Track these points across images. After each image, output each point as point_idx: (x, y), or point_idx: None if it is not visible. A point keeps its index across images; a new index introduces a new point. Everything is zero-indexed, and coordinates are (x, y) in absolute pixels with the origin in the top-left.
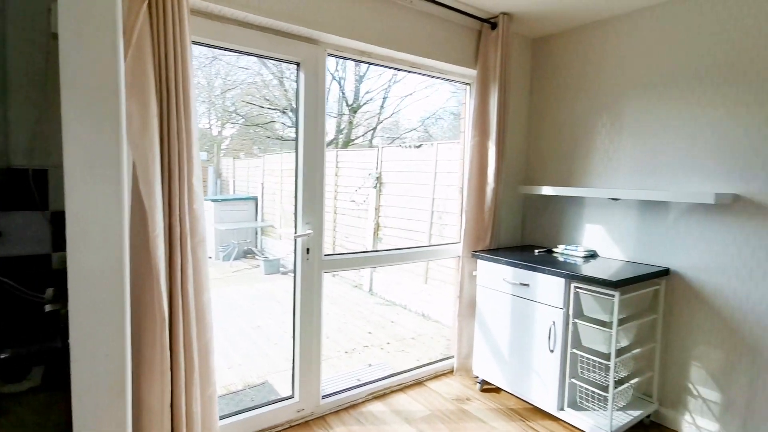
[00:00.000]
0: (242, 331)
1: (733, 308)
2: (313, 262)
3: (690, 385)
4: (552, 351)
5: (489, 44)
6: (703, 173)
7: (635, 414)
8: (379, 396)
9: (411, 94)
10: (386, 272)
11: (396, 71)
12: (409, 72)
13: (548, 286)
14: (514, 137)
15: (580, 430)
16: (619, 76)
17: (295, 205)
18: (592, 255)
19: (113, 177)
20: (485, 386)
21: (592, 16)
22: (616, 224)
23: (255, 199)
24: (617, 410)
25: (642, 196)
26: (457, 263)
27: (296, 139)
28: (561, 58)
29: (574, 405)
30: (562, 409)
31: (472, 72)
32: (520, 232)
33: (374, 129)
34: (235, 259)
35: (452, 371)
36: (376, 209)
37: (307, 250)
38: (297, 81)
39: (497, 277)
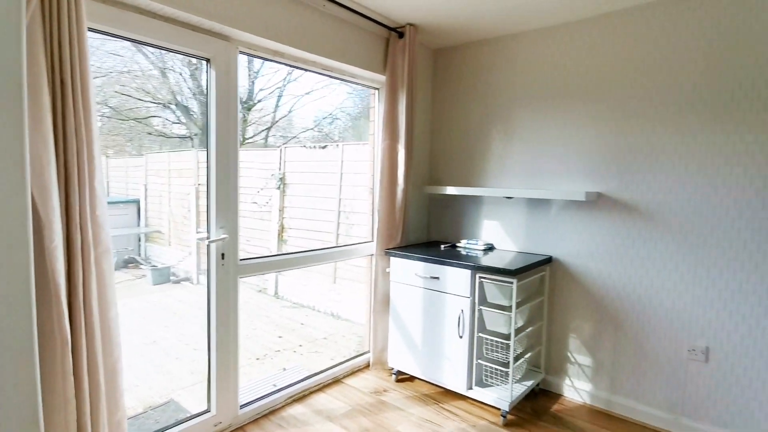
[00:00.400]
0: (135, 348)
1: (600, 286)
2: (229, 267)
3: (569, 354)
4: (461, 337)
5: (397, 52)
6: (575, 175)
7: (528, 384)
8: (299, 398)
9: (309, 93)
10: (292, 274)
11: (291, 69)
12: (321, 74)
13: (456, 278)
14: (420, 141)
15: (486, 404)
16: (509, 89)
17: (208, 209)
18: (490, 248)
19: (15, 181)
20: (400, 377)
21: (485, 34)
22: (509, 220)
23: (137, 202)
24: (515, 382)
25: (530, 195)
26: (369, 261)
27: (207, 139)
28: (460, 69)
29: (481, 383)
30: (470, 388)
31: (381, 77)
32: (426, 230)
33: (269, 128)
34: (115, 269)
35: (368, 366)
36: (280, 210)
37: (222, 255)
38: (207, 78)
39: (410, 272)
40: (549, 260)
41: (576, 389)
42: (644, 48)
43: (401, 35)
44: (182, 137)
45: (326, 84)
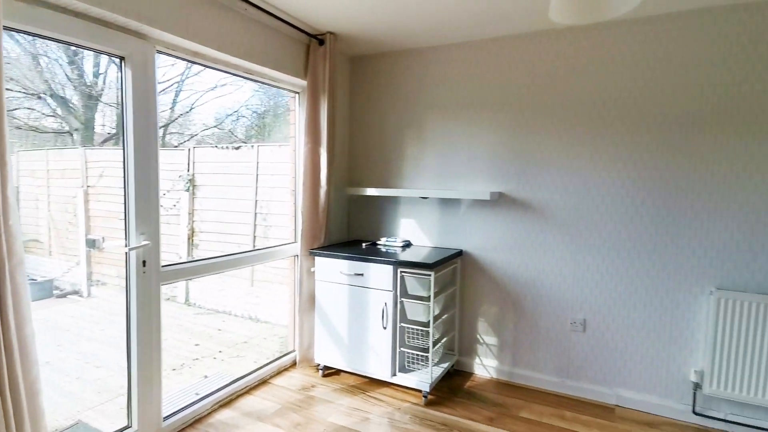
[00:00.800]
0: None
1: (503, 274)
2: (151, 274)
3: (478, 336)
4: (385, 328)
5: (318, 58)
6: (480, 177)
7: (445, 366)
8: (226, 403)
9: (213, 89)
10: (205, 280)
11: (190, 63)
12: (242, 77)
13: (380, 274)
14: (340, 144)
15: (409, 388)
16: (423, 97)
17: (126, 215)
18: (408, 245)
19: None
20: (327, 372)
21: (400, 46)
22: (424, 218)
23: None
24: (434, 366)
25: (442, 195)
26: (292, 262)
27: (123, 140)
28: (377, 76)
29: (403, 369)
30: (394, 374)
31: (302, 82)
32: (347, 229)
33: (166, 126)
34: None
35: (295, 364)
36: (189, 214)
37: (144, 262)
38: (122, 76)
39: (335, 270)
40: (460, 253)
41: (485, 366)
42: (535, 68)
43: (321, 42)
44: (59, 132)
45: (231, 81)
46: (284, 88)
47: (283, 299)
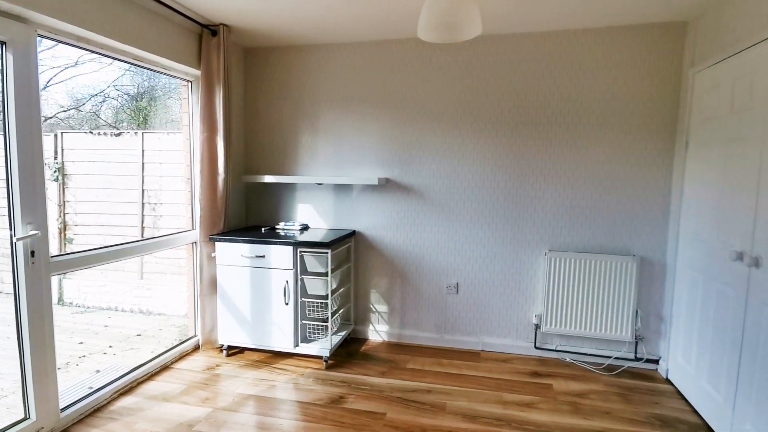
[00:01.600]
0: None
1: (391, 250)
2: (40, 265)
3: (371, 306)
4: (287, 304)
5: (211, 49)
6: (370, 164)
7: (342, 334)
8: (126, 391)
9: (75, 65)
10: (82, 275)
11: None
12: (132, 64)
13: (281, 254)
14: (235, 133)
15: (311, 356)
16: (315, 91)
17: (11, 204)
18: (305, 228)
19: None
20: (231, 351)
21: (294, 41)
22: (319, 202)
23: None
24: (333, 334)
25: (336, 181)
26: (190, 249)
27: (4, 126)
28: (272, 69)
29: (305, 339)
30: (297, 345)
31: (196, 71)
32: (245, 216)
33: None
34: None
35: (198, 348)
36: (59, 206)
37: (32, 253)
38: (3, 62)
39: (236, 254)
40: (353, 233)
41: (377, 332)
42: (412, 70)
43: (214, 33)
44: None
45: (93, 57)
46: (176, 77)
47: (179, 289)
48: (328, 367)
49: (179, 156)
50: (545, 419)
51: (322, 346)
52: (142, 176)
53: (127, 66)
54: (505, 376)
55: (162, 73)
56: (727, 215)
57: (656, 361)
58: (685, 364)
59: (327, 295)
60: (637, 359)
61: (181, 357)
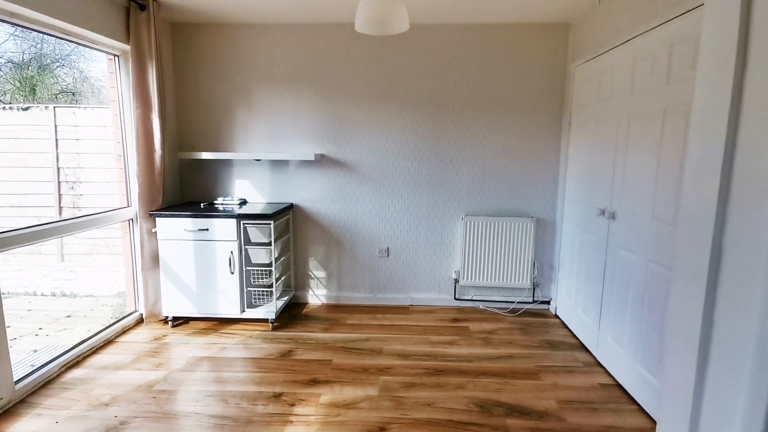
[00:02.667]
0: None
1: (327, 220)
2: None
3: (310, 272)
4: (233, 273)
5: (140, 23)
6: (305, 141)
7: (285, 299)
8: (74, 364)
9: None
10: None
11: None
12: (53, 36)
13: (224, 227)
14: (168, 110)
15: (257, 319)
16: (249, 70)
17: None
18: (244, 202)
19: None
20: (176, 322)
21: (224, 19)
22: (257, 178)
23: None
24: (277, 299)
25: (273, 157)
26: (127, 226)
27: None
28: (203, 46)
29: (251, 305)
30: (243, 311)
31: (124, 46)
32: (180, 192)
33: None
34: None
35: (141, 321)
36: None
37: None
38: None
39: (178, 228)
40: (291, 206)
41: (317, 296)
42: (342, 53)
43: (143, 7)
44: None
45: None
46: (101, 50)
47: (109, 269)
48: (274, 329)
49: (100, 132)
50: (464, 352)
51: (268, 310)
52: (57, 154)
53: (12, 29)
54: (430, 323)
55: (85, 46)
56: (594, 181)
57: (548, 302)
58: (568, 300)
59: (270, 263)
60: (534, 302)
61: (124, 331)
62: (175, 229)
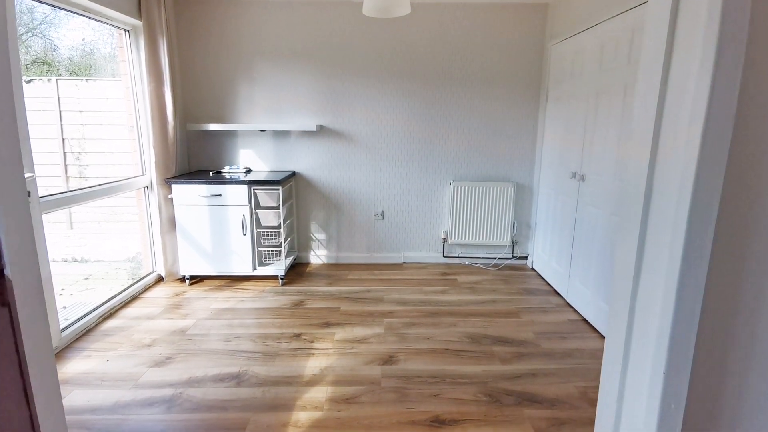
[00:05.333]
0: None
1: (327, 187)
2: (35, 204)
3: (311, 235)
4: (245, 234)
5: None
6: (306, 113)
7: (290, 259)
8: (108, 316)
9: None
10: None
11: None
12: (63, 9)
13: (236, 193)
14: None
15: (268, 276)
16: (253, 44)
17: None
18: (249, 171)
19: None
20: (193, 281)
21: None
22: (260, 147)
23: None
24: (285, 258)
25: (277, 128)
26: (143, 193)
27: None
28: (205, 20)
29: (261, 263)
30: (255, 268)
31: (135, 21)
32: (187, 162)
33: None
34: None
35: (160, 280)
36: None
37: (29, 193)
38: None
39: (193, 194)
40: (293, 174)
41: (318, 256)
42: (341, 29)
43: None
44: None
45: None
46: (113, 25)
47: (120, 235)
48: (284, 284)
49: (107, 104)
50: (454, 298)
51: (278, 267)
52: (61, 125)
53: None
54: (423, 277)
55: (96, 20)
56: (567, 148)
57: (526, 257)
58: (543, 254)
59: (279, 224)
60: (513, 257)
61: (146, 289)
62: (189, 195)
